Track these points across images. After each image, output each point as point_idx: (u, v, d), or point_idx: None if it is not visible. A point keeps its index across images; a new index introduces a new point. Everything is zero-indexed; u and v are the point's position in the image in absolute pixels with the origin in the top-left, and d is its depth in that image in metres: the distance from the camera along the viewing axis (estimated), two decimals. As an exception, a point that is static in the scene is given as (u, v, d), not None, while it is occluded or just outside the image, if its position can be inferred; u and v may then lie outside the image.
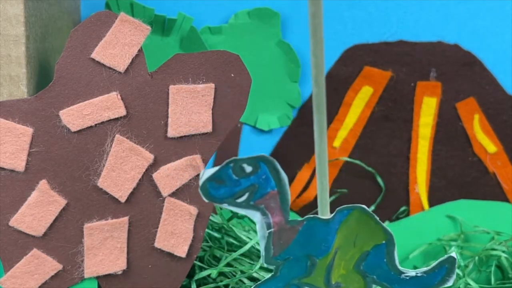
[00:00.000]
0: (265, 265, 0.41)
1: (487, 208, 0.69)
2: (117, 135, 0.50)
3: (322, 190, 0.39)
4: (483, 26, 0.69)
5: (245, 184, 0.37)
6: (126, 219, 0.51)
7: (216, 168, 0.35)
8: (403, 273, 0.41)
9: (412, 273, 0.41)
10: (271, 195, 0.37)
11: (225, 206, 0.37)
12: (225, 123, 0.51)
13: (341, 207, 0.39)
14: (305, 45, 0.70)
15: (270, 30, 0.69)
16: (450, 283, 0.42)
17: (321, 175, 0.39)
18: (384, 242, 0.41)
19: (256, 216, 0.38)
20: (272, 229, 0.38)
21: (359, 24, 0.70)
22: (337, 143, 0.71)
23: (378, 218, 0.40)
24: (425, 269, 0.41)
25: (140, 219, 0.51)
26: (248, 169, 0.36)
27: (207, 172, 0.36)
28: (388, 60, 0.70)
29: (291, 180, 0.72)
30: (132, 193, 0.51)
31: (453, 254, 0.41)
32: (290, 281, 0.41)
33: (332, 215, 0.40)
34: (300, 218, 0.39)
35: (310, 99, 0.71)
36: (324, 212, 0.40)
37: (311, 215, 0.40)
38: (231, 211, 0.60)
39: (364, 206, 0.40)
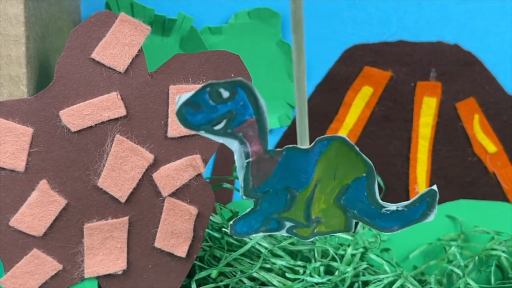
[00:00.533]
0: (244, 198, 0.39)
1: (487, 208, 0.69)
2: (117, 135, 0.50)
3: (300, 118, 0.37)
4: (483, 26, 0.69)
5: (222, 110, 0.35)
6: (126, 219, 0.51)
7: (192, 92, 0.34)
8: (384, 207, 0.40)
9: (393, 207, 0.40)
10: (249, 122, 0.36)
11: (202, 133, 0.35)
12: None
13: (320, 137, 0.38)
14: (305, 45, 0.70)
15: (270, 30, 0.69)
16: (431, 218, 0.41)
17: (300, 103, 0.37)
18: (364, 174, 0.40)
19: (234, 144, 0.36)
20: (250, 159, 0.37)
21: (359, 24, 0.70)
22: (337, 143, 0.71)
23: (358, 149, 0.39)
24: (405, 203, 0.40)
25: (140, 219, 0.51)
26: (225, 94, 0.35)
27: (183, 97, 0.34)
28: (388, 60, 0.70)
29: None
30: (132, 193, 0.51)
31: (434, 187, 0.40)
32: (270, 215, 0.40)
33: (312, 145, 0.38)
34: (279, 149, 0.38)
35: (310, 99, 0.71)
36: (303, 142, 0.38)
37: (291, 145, 0.38)
38: (231, 211, 0.60)
39: (344, 136, 0.38)
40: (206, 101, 0.34)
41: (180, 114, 0.34)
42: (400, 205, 0.40)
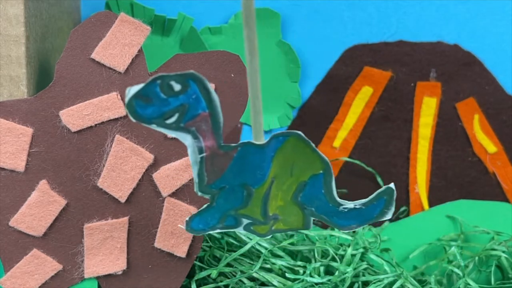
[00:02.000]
0: (199, 194, 0.38)
1: (487, 208, 0.69)
2: (117, 135, 0.50)
3: (255, 113, 0.37)
4: (483, 26, 0.69)
5: (174, 104, 0.34)
6: (126, 219, 0.51)
7: (142, 84, 0.33)
8: (342, 205, 0.40)
9: (350, 205, 0.40)
10: (202, 117, 0.35)
11: (153, 127, 0.35)
12: (225, 123, 0.51)
13: (276, 133, 0.38)
14: (305, 45, 0.70)
15: (270, 30, 0.69)
16: (389, 216, 0.41)
17: (254, 96, 0.36)
18: (321, 172, 0.39)
19: (187, 139, 0.36)
20: (204, 154, 0.36)
21: (359, 24, 0.70)
22: (337, 143, 0.71)
23: (314, 146, 0.38)
24: (363, 201, 0.40)
25: (140, 219, 0.51)
26: (177, 87, 0.34)
27: (133, 89, 0.33)
28: (388, 60, 0.70)
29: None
30: (132, 193, 0.51)
31: (391, 185, 0.40)
32: (226, 211, 0.40)
33: (267, 140, 0.37)
34: (233, 144, 0.37)
35: (310, 99, 0.71)
36: (258, 138, 0.38)
37: (246, 141, 0.38)
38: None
39: (300, 132, 0.38)
40: (157, 93, 0.34)
41: (130, 107, 0.33)
42: (358, 203, 0.40)
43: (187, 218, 0.40)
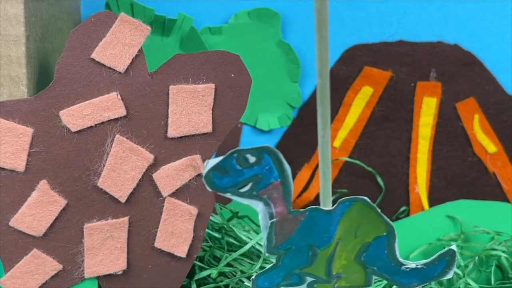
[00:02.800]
0: (267, 255, 0.41)
1: (487, 208, 0.69)
2: (117, 135, 0.50)
3: (324, 181, 0.39)
4: (483, 26, 0.69)
5: (248, 174, 0.37)
6: (126, 219, 0.51)
7: (220, 158, 0.35)
8: (404, 265, 0.41)
9: (412, 265, 0.41)
10: (274, 185, 0.37)
11: (228, 195, 0.37)
12: (225, 123, 0.51)
13: (343, 198, 0.40)
14: (305, 45, 0.70)
15: (270, 30, 0.69)
16: (450, 275, 0.42)
17: (324, 166, 0.39)
18: (385, 234, 0.41)
19: (259, 206, 0.38)
20: (274, 219, 0.38)
21: (359, 24, 0.70)
22: (337, 143, 0.71)
23: (379, 210, 0.40)
24: (425, 261, 0.42)
25: (140, 219, 0.51)
26: (252, 159, 0.36)
27: (211, 162, 0.35)
28: (388, 60, 0.70)
29: (291, 180, 0.72)
30: (132, 193, 0.51)
31: (453, 247, 0.41)
32: (291, 270, 0.41)
33: (334, 206, 0.40)
34: (302, 210, 0.40)
35: (310, 99, 0.71)
36: (326, 203, 0.40)
37: (314, 206, 0.40)
38: (231, 211, 0.60)
39: (366, 198, 0.40)
40: (233, 166, 0.36)
41: (207, 178, 0.36)
42: (420, 263, 0.42)
43: (253, 276, 0.42)
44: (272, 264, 0.41)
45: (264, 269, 0.42)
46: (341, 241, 0.41)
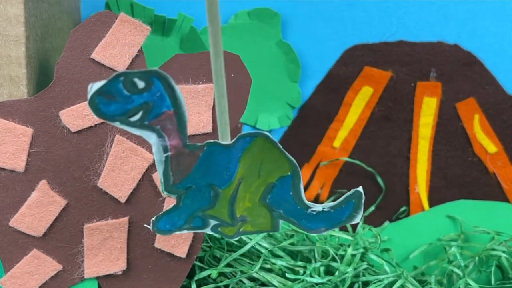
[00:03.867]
0: (165, 194, 0.38)
1: (487, 208, 0.69)
2: (117, 135, 0.50)
3: (221, 112, 0.36)
4: (483, 26, 0.69)
5: (138, 101, 0.34)
6: (126, 219, 0.51)
7: (105, 80, 0.33)
8: (310, 207, 0.40)
9: (319, 207, 0.40)
10: (167, 115, 0.35)
11: (117, 124, 0.34)
12: (225, 123, 0.51)
13: (243, 133, 0.37)
14: (305, 45, 0.70)
15: (270, 30, 0.69)
16: (357, 220, 0.40)
17: (220, 95, 0.36)
18: (289, 173, 0.39)
19: (152, 138, 0.35)
20: (169, 153, 0.36)
21: (359, 24, 0.70)
22: (337, 143, 0.71)
23: (282, 147, 0.38)
24: (331, 204, 0.40)
25: (140, 220, 0.51)
26: (141, 84, 0.33)
27: (95, 85, 0.33)
28: (388, 60, 0.70)
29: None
30: (132, 194, 0.51)
31: (359, 189, 0.40)
32: (193, 212, 0.39)
33: (233, 140, 0.37)
34: (199, 144, 0.37)
35: (310, 99, 0.71)
36: (224, 137, 0.37)
37: (212, 140, 0.37)
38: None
39: (267, 133, 0.37)
40: (120, 90, 0.33)
41: (92, 103, 0.33)
42: (326, 206, 0.40)
43: (153, 218, 0.40)
44: (172, 205, 0.39)
45: (164, 211, 0.39)
46: (243, 180, 0.39)
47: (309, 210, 0.40)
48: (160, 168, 0.37)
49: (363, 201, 0.40)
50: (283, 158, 0.38)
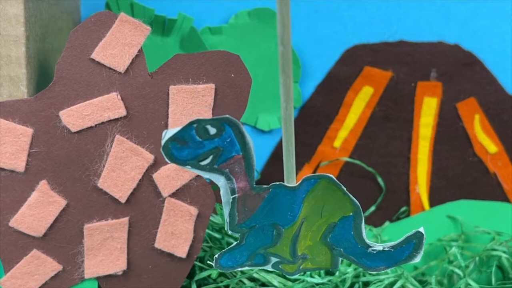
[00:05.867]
0: (230, 232, 0.39)
1: (487, 208, 0.69)
2: (117, 136, 0.50)
3: (287, 155, 0.37)
4: (484, 26, 0.69)
5: (209, 147, 0.35)
6: (126, 219, 0.51)
7: (179, 128, 0.34)
8: (370, 247, 0.40)
9: (379, 247, 0.40)
10: (235, 159, 0.36)
11: (188, 168, 0.35)
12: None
13: (307, 175, 0.38)
14: (305, 45, 0.70)
15: (270, 30, 0.69)
16: (417, 259, 0.41)
17: (287, 140, 0.37)
18: (351, 214, 0.39)
19: (220, 180, 0.36)
20: (236, 195, 0.37)
21: (359, 24, 0.70)
22: (337, 143, 0.71)
23: (345, 189, 0.39)
24: (392, 244, 0.40)
25: (140, 220, 0.51)
26: (212, 131, 0.34)
27: (170, 132, 0.34)
28: (388, 60, 0.70)
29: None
30: (132, 194, 0.51)
31: (421, 230, 0.40)
32: (255, 250, 0.40)
33: (298, 183, 0.38)
34: (265, 186, 0.38)
35: (310, 99, 0.71)
36: (290, 180, 0.38)
37: (277, 183, 0.38)
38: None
39: (331, 175, 0.38)
40: (192, 137, 0.34)
41: (166, 149, 0.34)
42: (387, 246, 0.40)
43: (216, 255, 0.41)
44: (235, 243, 0.40)
45: (227, 248, 0.40)
46: (306, 220, 0.40)
47: (370, 249, 0.40)
48: (226, 209, 0.38)
49: (424, 241, 0.40)
50: (345, 199, 0.39)
